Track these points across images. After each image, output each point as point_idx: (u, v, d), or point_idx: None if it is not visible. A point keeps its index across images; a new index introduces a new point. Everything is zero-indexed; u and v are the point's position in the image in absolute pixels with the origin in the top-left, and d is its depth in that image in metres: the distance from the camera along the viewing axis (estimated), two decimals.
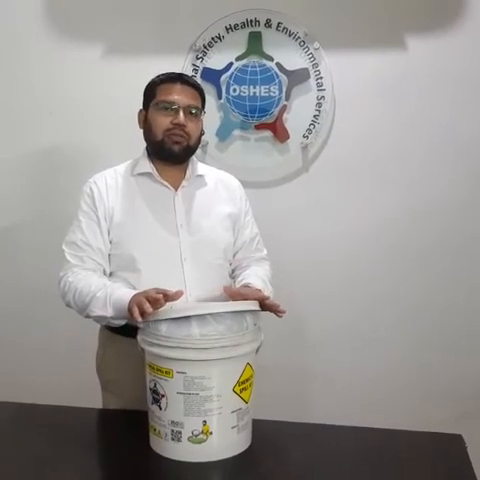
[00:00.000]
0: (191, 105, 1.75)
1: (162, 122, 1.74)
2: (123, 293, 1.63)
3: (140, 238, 1.75)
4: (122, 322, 1.67)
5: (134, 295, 1.57)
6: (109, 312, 1.64)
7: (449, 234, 2.47)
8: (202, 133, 1.83)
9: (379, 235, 2.50)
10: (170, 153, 1.76)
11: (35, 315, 2.66)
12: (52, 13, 2.52)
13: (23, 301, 2.68)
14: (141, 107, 1.83)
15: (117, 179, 1.80)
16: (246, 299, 1.60)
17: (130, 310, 1.52)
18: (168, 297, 1.49)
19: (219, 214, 1.84)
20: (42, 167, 2.62)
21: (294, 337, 2.59)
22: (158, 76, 1.80)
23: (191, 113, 1.75)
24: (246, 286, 1.74)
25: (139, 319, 1.48)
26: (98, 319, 1.71)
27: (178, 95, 1.74)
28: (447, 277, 2.50)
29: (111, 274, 1.78)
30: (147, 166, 1.80)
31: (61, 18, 2.53)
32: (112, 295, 1.64)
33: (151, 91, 1.79)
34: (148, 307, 1.46)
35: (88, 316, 1.70)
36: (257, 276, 1.82)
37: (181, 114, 1.72)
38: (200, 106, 1.79)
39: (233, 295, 1.66)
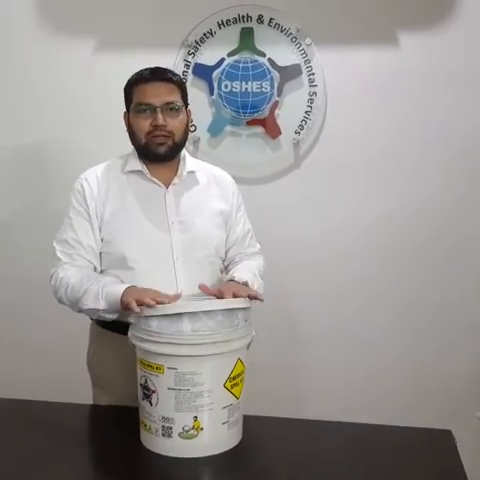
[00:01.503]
0: (168, 102, 1.71)
1: (142, 126, 1.72)
2: (116, 286, 1.64)
3: (131, 236, 1.74)
4: (113, 316, 1.66)
5: (127, 288, 1.59)
6: (101, 305, 1.64)
7: (443, 232, 2.47)
8: (192, 130, 1.81)
9: (372, 232, 2.50)
10: (156, 155, 1.74)
11: (28, 311, 2.65)
12: (45, 9, 2.51)
13: (18, 297, 2.67)
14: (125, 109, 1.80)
15: (108, 176, 1.79)
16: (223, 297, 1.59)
17: (127, 304, 1.52)
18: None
19: (211, 211, 1.83)
20: (37, 162, 2.61)
21: (286, 334, 2.59)
22: (133, 75, 1.77)
23: (170, 109, 1.72)
24: (231, 280, 1.74)
25: (137, 310, 1.48)
26: (90, 312, 1.70)
27: (153, 95, 1.70)
28: (441, 275, 2.50)
29: (102, 272, 1.78)
30: (137, 164, 1.79)
31: (53, 14, 2.51)
32: (104, 288, 1.64)
33: (128, 94, 1.77)
34: (149, 301, 1.48)
35: (80, 310, 1.70)
36: (247, 269, 1.82)
37: (159, 114, 1.69)
38: (179, 100, 1.74)
39: (212, 294, 1.64)
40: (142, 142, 1.74)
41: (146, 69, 1.76)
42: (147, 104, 1.70)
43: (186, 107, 1.79)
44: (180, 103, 1.74)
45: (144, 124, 1.71)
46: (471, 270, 2.49)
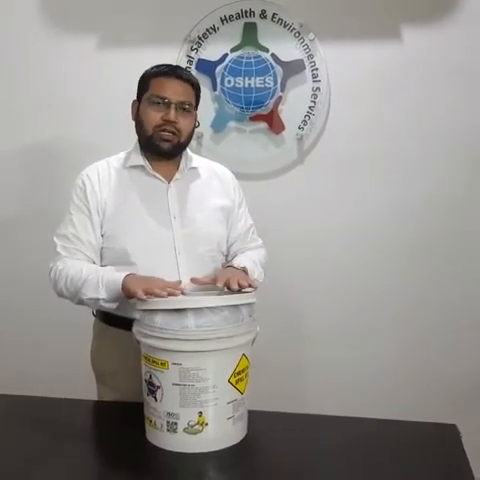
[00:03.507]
0: (183, 101, 1.72)
1: (153, 117, 1.72)
2: (115, 274, 1.64)
3: (133, 231, 1.74)
4: (113, 305, 1.66)
5: (127, 275, 1.60)
6: (102, 294, 1.63)
7: (446, 229, 2.47)
8: (197, 125, 1.82)
9: (375, 228, 2.50)
10: (159, 150, 1.74)
11: (30, 308, 2.66)
12: (48, 6, 2.51)
13: (20, 294, 2.68)
14: (135, 98, 1.81)
15: (110, 171, 1.79)
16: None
17: (133, 293, 1.52)
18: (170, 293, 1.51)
19: (212, 207, 1.83)
20: (39, 160, 2.62)
21: (289, 329, 2.59)
22: (153, 67, 1.78)
23: (183, 109, 1.73)
24: (229, 266, 1.74)
25: (144, 297, 1.48)
26: (90, 303, 1.69)
27: (171, 90, 1.71)
28: (443, 272, 2.50)
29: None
30: (139, 159, 1.79)
31: (57, 11, 2.52)
32: (104, 276, 1.64)
33: (145, 83, 1.77)
34: (160, 292, 1.48)
35: (81, 301, 1.69)
36: (247, 258, 1.82)
37: (172, 110, 1.70)
38: (193, 102, 1.77)
39: (205, 283, 1.66)
40: (148, 133, 1.74)
41: (167, 65, 1.76)
42: (163, 98, 1.71)
43: (196, 110, 1.80)
44: (193, 105, 1.76)
45: (155, 116, 1.72)
46: (472, 267, 2.49)
